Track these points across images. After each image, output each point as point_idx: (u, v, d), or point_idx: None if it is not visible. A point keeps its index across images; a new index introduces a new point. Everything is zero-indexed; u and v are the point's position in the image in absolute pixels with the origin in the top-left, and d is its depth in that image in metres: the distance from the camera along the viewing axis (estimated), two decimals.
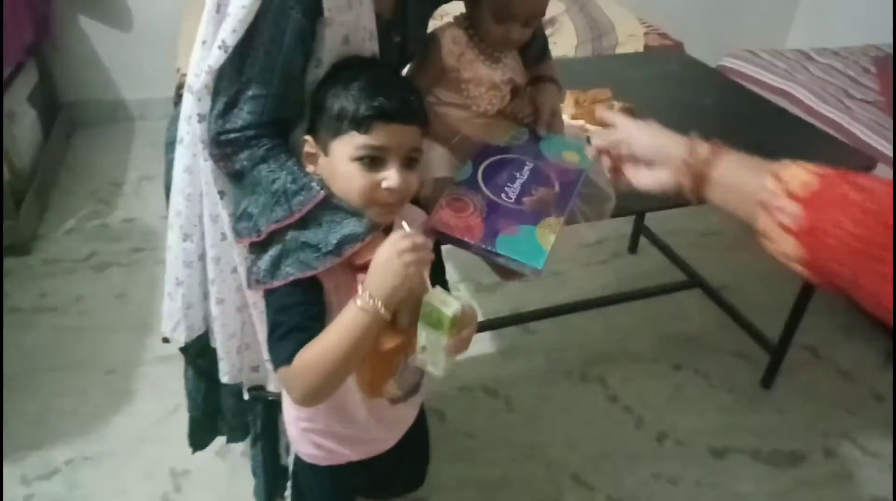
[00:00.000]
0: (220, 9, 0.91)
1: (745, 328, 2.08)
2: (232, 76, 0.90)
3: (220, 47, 0.89)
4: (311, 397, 0.89)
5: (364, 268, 0.89)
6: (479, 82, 1.18)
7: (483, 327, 2.06)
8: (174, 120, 1.06)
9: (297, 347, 0.86)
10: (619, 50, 2.69)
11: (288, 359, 0.87)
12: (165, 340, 1.20)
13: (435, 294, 0.87)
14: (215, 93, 0.92)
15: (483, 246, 1.06)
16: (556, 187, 1.17)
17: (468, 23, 1.16)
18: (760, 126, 1.79)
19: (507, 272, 1.12)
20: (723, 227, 2.71)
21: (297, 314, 0.89)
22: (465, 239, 1.07)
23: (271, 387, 1.16)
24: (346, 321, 0.85)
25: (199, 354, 1.19)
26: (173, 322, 1.15)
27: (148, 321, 2.05)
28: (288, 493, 1.18)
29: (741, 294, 2.26)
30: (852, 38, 3.02)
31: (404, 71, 1.18)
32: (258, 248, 0.92)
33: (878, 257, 0.60)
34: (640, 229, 2.49)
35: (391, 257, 0.84)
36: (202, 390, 1.26)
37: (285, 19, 0.88)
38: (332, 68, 0.94)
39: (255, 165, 0.91)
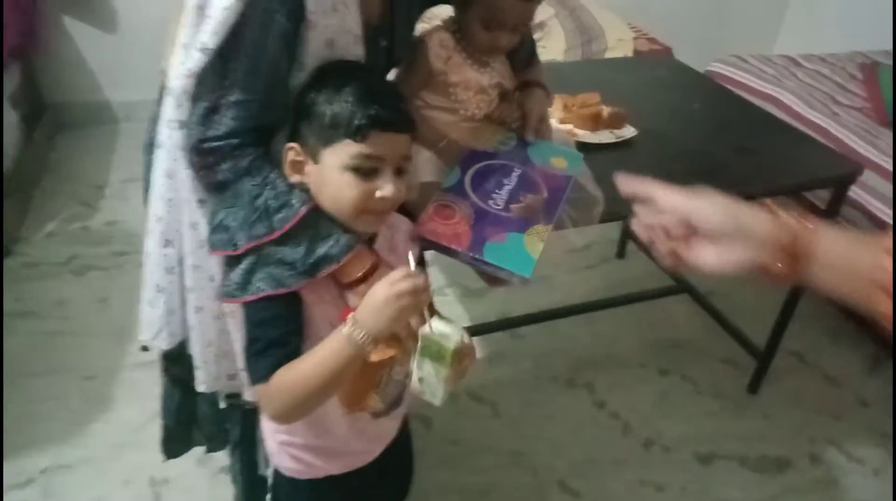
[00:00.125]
0: (202, 11, 0.88)
1: (732, 333, 2.08)
2: (214, 81, 0.87)
3: (199, 50, 0.87)
4: (286, 418, 0.88)
5: (349, 285, 0.87)
6: (466, 86, 1.16)
7: (470, 332, 2.03)
8: (154, 121, 1.03)
9: (275, 364, 0.84)
10: (609, 55, 2.69)
11: (265, 376, 0.84)
12: (144, 348, 1.17)
13: (435, 326, 0.84)
14: (196, 98, 0.88)
15: (471, 254, 1.05)
16: (545, 194, 1.16)
17: (456, 26, 1.15)
18: (749, 131, 1.79)
19: (494, 280, 1.11)
20: None
21: (274, 328, 0.87)
22: (453, 247, 1.05)
23: (248, 396, 1.13)
24: (330, 349, 0.82)
25: (175, 361, 1.16)
26: (154, 330, 1.12)
27: (129, 325, 2.00)
28: None
29: (728, 300, 2.25)
30: (839, 44, 3.04)
31: (391, 75, 1.16)
32: (233, 260, 0.90)
33: None
34: (627, 234, 2.48)
35: (389, 299, 0.81)
36: (177, 398, 1.23)
37: (269, 23, 0.86)
38: (316, 72, 0.91)
39: (238, 177, 0.88)
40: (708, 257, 0.70)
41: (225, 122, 0.87)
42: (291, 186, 0.89)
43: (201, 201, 0.97)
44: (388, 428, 1.11)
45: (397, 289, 0.81)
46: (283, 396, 0.84)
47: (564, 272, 2.43)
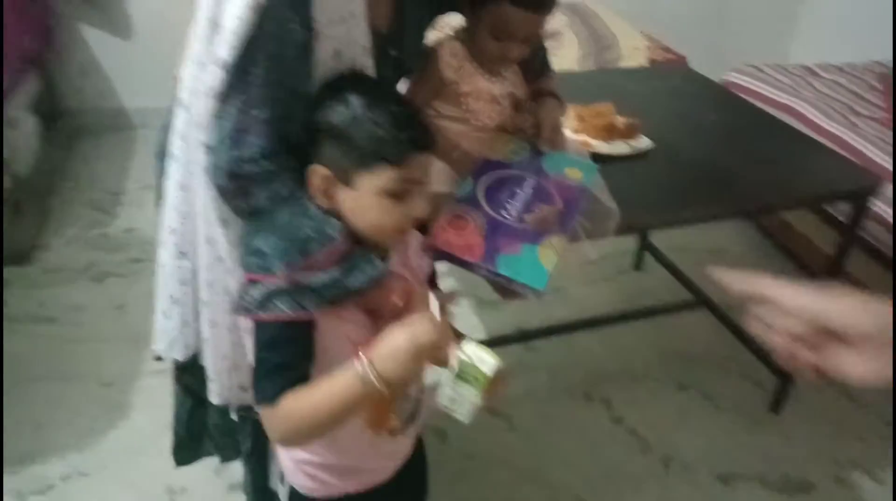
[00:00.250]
0: (215, 23, 0.86)
1: (753, 349, 2.03)
2: (236, 97, 0.85)
3: (216, 64, 0.85)
4: (290, 443, 0.87)
5: (369, 312, 0.87)
6: (478, 96, 1.16)
7: (485, 344, 2.02)
8: (165, 128, 1.03)
9: (282, 387, 0.83)
10: (623, 64, 2.67)
11: (272, 399, 0.83)
12: (158, 358, 1.17)
13: (472, 352, 0.83)
14: (220, 117, 0.86)
15: (483, 266, 1.04)
16: (559, 205, 1.15)
17: (467, 36, 1.14)
18: (765, 142, 1.76)
19: (507, 292, 1.10)
20: (729, 245, 2.68)
21: (284, 351, 0.85)
22: (466, 258, 1.04)
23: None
24: (342, 385, 0.81)
25: (188, 370, 1.16)
26: (168, 341, 1.12)
27: (146, 332, 1.98)
28: None
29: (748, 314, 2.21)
30: (853, 54, 3.00)
31: (401, 86, 1.15)
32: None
33: None
34: (645, 246, 2.46)
35: (410, 351, 0.79)
36: (188, 407, 1.23)
37: (286, 32, 0.84)
38: (330, 88, 0.88)
39: (275, 205, 0.86)
40: (854, 367, 0.61)
41: (256, 142, 0.85)
42: (326, 214, 0.87)
43: (224, 221, 0.95)
44: (404, 445, 1.10)
45: (419, 340, 0.79)
46: (290, 423, 0.83)
47: (580, 284, 2.40)
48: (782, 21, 3.77)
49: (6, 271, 2.25)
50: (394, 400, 0.94)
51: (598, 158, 1.48)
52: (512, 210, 1.12)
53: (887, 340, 0.59)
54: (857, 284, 2.17)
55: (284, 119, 0.86)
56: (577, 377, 2.05)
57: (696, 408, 1.98)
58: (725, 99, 2.06)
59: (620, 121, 1.61)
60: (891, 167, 2.13)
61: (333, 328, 0.89)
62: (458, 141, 1.19)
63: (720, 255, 2.63)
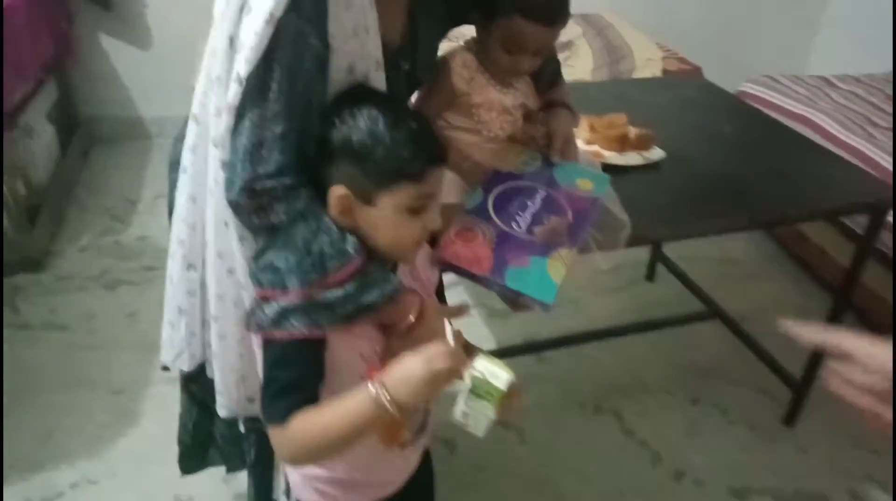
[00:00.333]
0: (234, 41, 0.86)
1: (766, 361, 2.01)
2: (253, 112, 0.84)
3: (235, 81, 0.85)
4: (299, 463, 0.87)
5: (382, 327, 0.86)
6: (489, 107, 1.15)
7: (495, 354, 2.01)
8: (178, 140, 1.04)
9: (293, 407, 0.82)
10: (637, 74, 2.66)
11: (282, 419, 0.82)
12: (165, 368, 1.17)
13: (485, 368, 0.82)
14: (237, 133, 0.85)
15: (492, 279, 1.03)
16: (570, 217, 1.14)
17: (479, 47, 1.14)
18: (781, 154, 1.74)
19: (516, 304, 1.09)
20: (743, 255, 2.66)
21: (294, 370, 0.85)
22: (474, 271, 1.04)
23: None
24: (354, 407, 0.80)
25: (195, 380, 1.16)
26: (175, 351, 1.13)
27: (157, 340, 1.96)
28: None
29: (762, 326, 2.18)
30: (872, 65, 2.97)
31: (412, 98, 1.16)
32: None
33: None
34: (657, 257, 2.44)
35: (426, 379, 0.78)
36: (194, 416, 1.23)
37: (303, 46, 0.84)
38: (341, 105, 0.87)
39: (293, 221, 0.85)
40: None
41: (274, 157, 0.84)
42: (343, 231, 0.86)
43: (241, 237, 0.95)
44: (414, 457, 1.09)
45: (434, 367, 0.78)
46: (300, 443, 0.83)
47: (592, 295, 2.39)
48: (801, 32, 3.74)
49: (19, 278, 2.28)
50: (407, 420, 0.93)
51: (610, 169, 1.47)
52: (521, 222, 1.11)
53: None
54: (873, 295, 2.14)
55: (300, 133, 0.85)
56: (587, 388, 2.03)
57: (709, 421, 1.95)
58: (740, 110, 2.04)
59: (633, 132, 1.60)
60: None
61: (344, 344, 0.88)
62: (469, 152, 1.19)
63: (734, 265, 2.61)
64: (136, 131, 3.19)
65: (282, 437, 0.83)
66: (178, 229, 1.04)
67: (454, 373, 0.80)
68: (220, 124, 0.88)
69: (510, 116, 1.18)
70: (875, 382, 0.60)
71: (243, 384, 1.09)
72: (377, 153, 0.83)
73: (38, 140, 2.49)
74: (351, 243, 0.86)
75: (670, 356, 2.17)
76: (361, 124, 0.84)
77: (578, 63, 2.69)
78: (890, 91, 2.69)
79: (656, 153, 1.60)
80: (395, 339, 0.92)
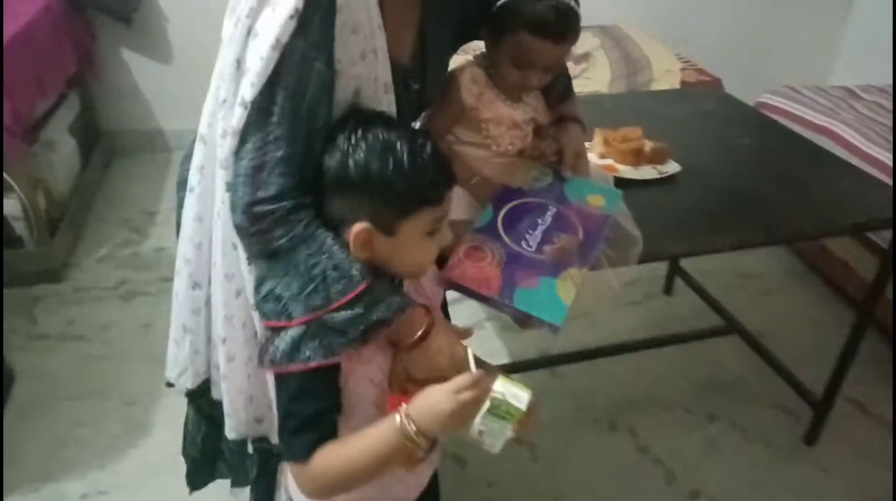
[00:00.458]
0: (241, 65, 0.86)
1: (786, 378, 1.96)
2: (256, 135, 0.84)
3: (240, 105, 0.85)
4: (323, 498, 0.85)
5: (402, 347, 0.86)
6: (498, 122, 1.14)
7: (508, 369, 1.99)
8: (188, 158, 1.04)
9: (314, 442, 0.82)
10: (655, 86, 2.63)
11: (304, 455, 0.81)
12: (169, 384, 1.18)
13: (506, 389, 0.81)
14: (240, 155, 0.85)
15: (500, 300, 1.02)
16: (580, 235, 1.12)
17: (488, 62, 1.13)
18: (801, 167, 1.71)
19: (526, 323, 1.07)
20: (763, 269, 2.61)
21: (312, 403, 0.83)
22: (482, 292, 1.02)
23: (275, 439, 1.12)
24: (380, 440, 0.80)
25: (201, 395, 1.16)
26: (179, 369, 1.13)
27: None
28: None
29: (781, 342, 2.14)
30: None
31: (421, 116, 1.15)
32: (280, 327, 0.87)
33: None
34: (675, 270, 2.40)
35: (454, 412, 0.78)
36: (202, 430, 1.23)
37: (308, 71, 0.83)
38: (352, 135, 0.84)
39: (293, 245, 0.83)
40: None
41: (274, 180, 0.83)
42: (348, 253, 0.84)
43: (249, 260, 0.94)
44: (426, 472, 1.08)
45: (461, 398, 0.78)
46: (324, 479, 0.82)
47: (608, 308, 2.36)
48: (824, 43, 3.68)
49: (38, 288, 2.31)
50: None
51: (624, 183, 1.46)
52: (531, 240, 1.09)
53: None
54: None
55: (303, 156, 0.84)
56: (602, 404, 2.00)
57: (726, 439, 1.91)
58: (759, 122, 2.01)
59: (648, 145, 1.58)
60: None
61: (354, 371, 0.87)
62: (478, 167, 1.18)
63: (753, 279, 2.56)
64: (156, 144, 3.23)
65: (305, 474, 0.82)
66: (185, 248, 1.04)
67: (481, 402, 0.79)
68: (225, 147, 0.88)
69: (520, 131, 1.17)
70: None
71: (251, 404, 1.09)
72: (399, 183, 0.82)
73: (59, 153, 2.52)
74: (356, 267, 0.84)
75: (687, 371, 2.13)
76: (378, 154, 0.82)
77: (596, 75, 2.67)
78: None
79: (672, 167, 1.57)
80: (404, 354, 0.91)
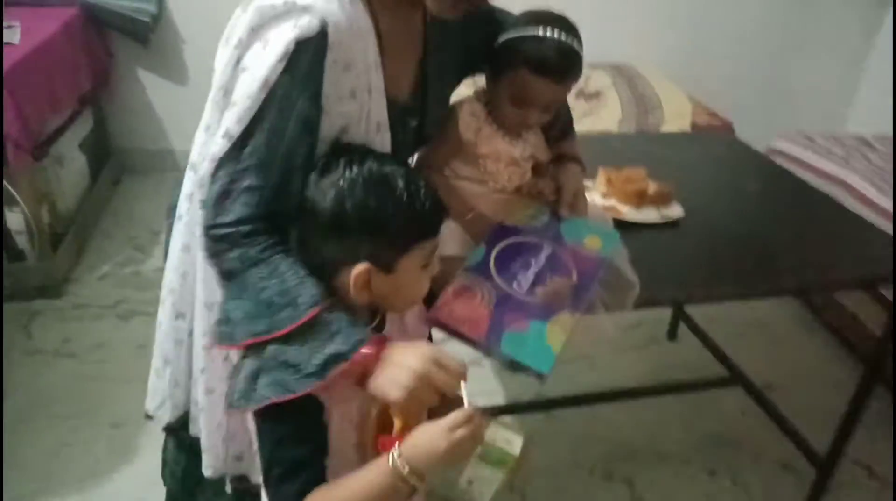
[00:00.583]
0: (226, 94, 0.87)
1: (790, 435, 1.89)
2: (229, 164, 0.84)
3: (224, 136, 0.85)
4: None
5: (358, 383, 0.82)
6: (497, 158, 1.13)
7: (503, 410, 1.95)
8: (178, 184, 1.03)
9: (303, 489, 0.79)
10: (665, 128, 2.62)
11: None
12: (148, 416, 1.15)
13: (499, 434, 0.79)
14: (212, 180, 0.86)
15: (487, 343, 0.98)
16: (574, 278, 1.09)
17: (488, 97, 1.12)
18: (809, 217, 1.67)
19: (514, 366, 1.04)
20: (770, 318, 2.55)
21: (295, 448, 0.80)
22: (469, 334, 0.99)
23: (255, 479, 1.08)
24: (373, 482, 0.77)
25: (182, 427, 1.13)
26: (158, 400, 1.11)
27: None
28: None
29: (787, 395, 2.08)
30: None
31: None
32: (238, 365, 0.85)
33: None
34: (679, 315, 2.35)
35: (447, 448, 0.75)
36: (182, 463, 1.20)
37: (290, 107, 0.84)
38: (343, 175, 0.82)
39: (245, 268, 0.83)
40: None
41: (235, 208, 0.83)
42: (303, 280, 0.82)
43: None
44: None
45: (455, 436, 0.75)
46: None
47: (609, 352, 2.30)
48: (840, 89, 3.66)
49: (37, 303, 2.30)
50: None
51: (626, 225, 1.43)
52: (523, 282, 1.07)
53: None
54: None
55: (273, 190, 0.84)
56: (599, 452, 1.94)
57: (726, 496, 1.84)
58: (768, 169, 1.98)
59: (652, 187, 1.55)
60: None
61: (331, 410, 0.84)
62: (474, 203, 1.15)
63: (760, 329, 2.50)
64: (167, 164, 3.24)
65: None
66: (170, 277, 1.03)
67: (477, 439, 0.76)
68: (202, 170, 0.89)
69: (518, 167, 1.15)
70: None
71: (231, 442, 1.06)
72: (399, 221, 0.81)
73: (68, 168, 2.54)
74: (306, 295, 0.81)
75: (688, 422, 2.07)
76: (376, 193, 0.81)
77: (605, 113, 2.66)
78: None
79: (676, 211, 1.54)
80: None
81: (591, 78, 2.90)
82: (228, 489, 1.13)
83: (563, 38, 1.03)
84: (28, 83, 2.10)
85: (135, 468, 1.77)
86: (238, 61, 0.86)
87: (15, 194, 2.14)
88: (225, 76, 0.87)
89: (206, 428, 1.05)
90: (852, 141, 2.69)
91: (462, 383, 0.81)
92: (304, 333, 0.80)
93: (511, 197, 1.18)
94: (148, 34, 2.89)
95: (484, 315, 1.00)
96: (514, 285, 1.06)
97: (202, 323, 0.98)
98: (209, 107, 0.92)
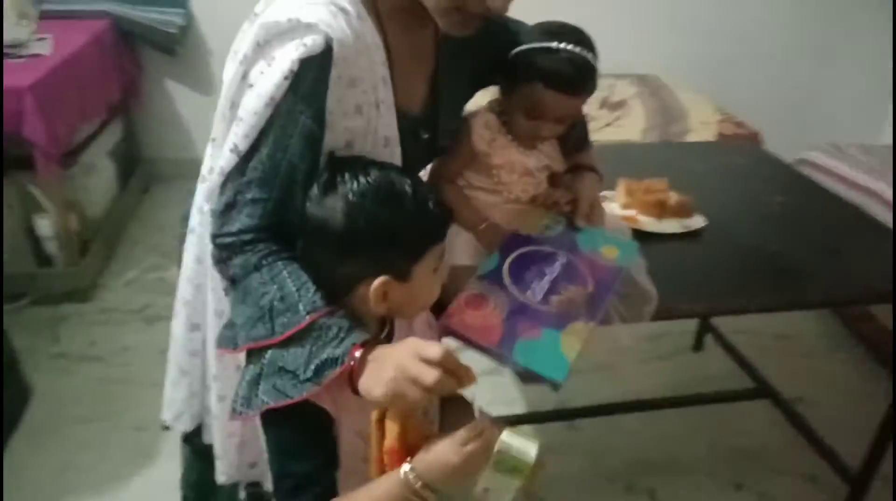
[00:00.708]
0: (233, 107, 0.88)
1: (820, 449, 1.84)
2: (235, 177, 0.86)
3: (232, 150, 0.87)
4: None
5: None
6: (511, 168, 1.12)
7: (522, 420, 1.93)
8: (191, 194, 1.05)
9: None
10: (690, 137, 2.58)
11: None
12: (165, 427, 1.16)
13: (513, 442, 0.77)
14: (220, 192, 0.88)
15: (499, 351, 0.97)
16: (590, 287, 1.07)
17: (502, 107, 1.11)
18: (838, 230, 1.61)
19: (527, 377, 1.02)
20: (800, 330, 2.49)
21: (305, 461, 0.80)
22: (481, 342, 0.98)
23: (268, 485, 1.08)
24: (386, 496, 0.76)
25: (197, 433, 1.14)
26: (175, 411, 1.12)
27: None
28: None
29: (817, 409, 2.02)
30: None
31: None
32: (244, 370, 0.86)
33: None
34: (705, 326, 2.31)
35: (459, 462, 0.75)
36: (196, 469, 1.21)
37: (293, 124, 0.85)
38: (349, 192, 0.81)
39: (247, 273, 0.84)
40: None
41: (240, 219, 0.85)
42: (303, 286, 0.82)
43: (226, 290, 0.94)
44: None
45: (469, 452, 0.75)
46: None
47: (633, 362, 2.27)
48: (874, 100, 3.56)
49: (65, 307, 2.35)
50: None
51: (646, 236, 1.41)
52: (537, 290, 1.05)
53: None
54: None
55: (275, 202, 0.85)
56: (620, 463, 1.91)
57: None
58: (795, 181, 1.93)
59: (674, 197, 1.53)
60: None
61: (339, 421, 0.83)
62: (488, 213, 1.15)
63: (789, 341, 2.44)
64: (194, 172, 3.22)
65: None
66: (184, 288, 1.05)
67: (489, 451, 0.76)
68: (211, 182, 0.90)
69: (533, 178, 1.14)
70: None
71: (244, 449, 1.07)
72: (412, 230, 0.82)
73: (97, 177, 2.59)
74: (306, 300, 0.81)
75: (713, 435, 2.02)
76: (386, 206, 0.81)
77: (629, 123, 2.63)
78: None
79: (697, 222, 1.51)
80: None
81: (616, 88, 2.88)
82: (242, 495, 1.13)
83: (578, 50, 1.02)
84: (57, 93, 2.15)
85: (156, 471, 1.79)
86: (244, 76, 0.87)
87: (44, 200, 2.19)
88: (232, 90, 0.89)
89: (219, 436, 1.06)
90: (885, 151, 2.61)
91: (475, 407, 0.81)
92: (302, 338, 0.80)
93: (525, 207, 1.17)
94: (175, 46, 2.95)
95: (496, 323, 0.99)
96: (528, 293, 1.04)
97: (214, 331, 0.99)
98: (217, 119, 0.93)
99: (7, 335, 1.89)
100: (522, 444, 0.77)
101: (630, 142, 2.44)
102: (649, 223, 1.47)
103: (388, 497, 0.76)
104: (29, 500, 1.68)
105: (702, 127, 2.61)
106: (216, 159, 0.90)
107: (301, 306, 0.80)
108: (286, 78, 0.83)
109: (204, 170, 0.97)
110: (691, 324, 2.35)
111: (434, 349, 0.74)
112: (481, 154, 1.10)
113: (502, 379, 2.13)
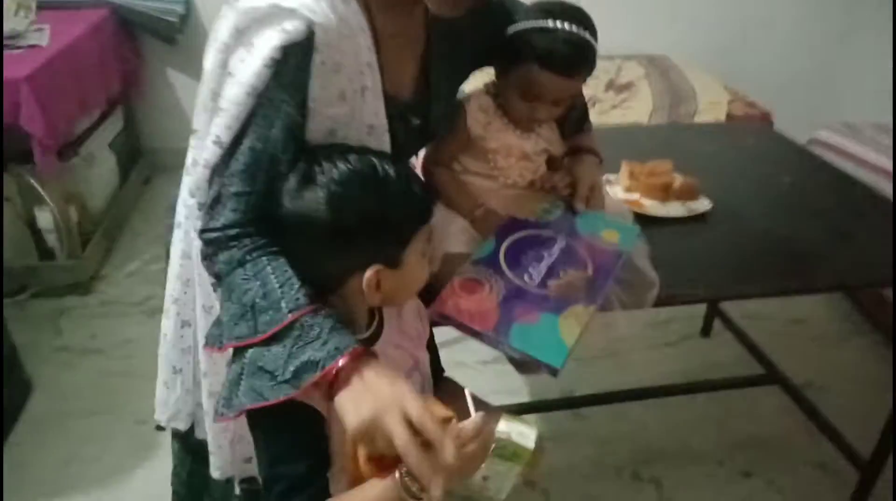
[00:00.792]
0: (214, 97, 0.85)
1: (831, 436, 1.80)
2: (220, 170, 0.84)
3: (214, 142, 0.84)
4: None
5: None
6: (507, 152, 1.08)
7: (527, 408, 1.90)
8: (178, 184, 1.02)
9: None
10: (699, 118, 2.52)
11: None
12: (159, 427, 1.14)
13: (513, 428, 0.76)
14: (208, 186, 0.86)
15: (495, 336, 0.94)
16: (589, 271, 1.04)
17: (497, 90, 1.07)
18: (850, 212, 1.56)
19: (523, 365, 1.00)
20: (812, 315, 2.44)
21: (296, 463, 0.77)
22: (475, 327, 0.95)
23: None
24: (382, 497, 0.74)
25: (190, 430, 1.12)
26: (171, 411, 1.10)
27: None
28: None
29: (829, 396, 1.98)
30: None
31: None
32: (228, 366, 0.83)
33: None
34: (714, 311, 2.26)
35: (460, 465, 0.72)
36: (187, 465, 1.19)
37: (275, 113, 0.82)
38: (330, 180, 0.79)
39: (231, 269, 0.81)
40: None
41: (225, 213, 0.83)
42: (287, 282, 0.79)
43: (215, 285, 0.91)
44: None
45: (467, 453, 0.72)
46: None
47: (639, 349, 2.23)
48: (890, 81, 3.48)
49: (66, 300, 2.34)
50: None
51: (649, 219, 1.37)
52: (535, 274, 1.02)
53: None
54: None
55: (260, 195, 0.83)
56: (626, 452, 1.88)
57: (761, 498, 1.76)
58: (806, 161, 1.87)
59: (678, 180, 1.48)
60: None
61: (332, 420, 0.80)
62: (484, 198, 1.11)
63: (801, 326, 2.40)
64: None
65: None
66: (173, 286, 1.02)
67: (487, 450, 0.74)
68: (196, 176, 0.88)
69: (530, 162, 1.11)
70: None
71: (239, 444, 1.04)
72: (398, 215, 0.80)
73: (98, 168, 2.58)
74: (288, 298, 0.77)
75: (722, 422, 1.99)
76: (370, 194, 0.79)
77: (637, 105, 2.58)
78: None
79: (702, 204, 1.47)
80: None
81: (623, 69, 2.82)
82: (237, 490, 1.11)
83: (575, 29, 0.98)
84: (55, 84, 2.12)
85: (160, 463, 1.77)
86: (224, 65, 0.83)
87: (44, 193, 2.17)
88: (212, 79, 0.86)
89: (211, 431, 1.04)
90: None
91: (469, 396, 0.78)
92: (283, 337, 0.77)
93: (523, 192, 1.13)
94: (176, 34, 2.92)
95: (492, 308, 0.96)
96: (525, 277, 1.01)
97: (203, 327, 0.97)
98: (199, 110, 0.90)
99: (8, 328, 1.89)
100: (522, 430, 0.75)
101: (637, 124, 2.39)
102: (653, 207, 1.43)
103: (384, 498, 0.74)
104: (32, 494, 1.68)
105: (711, 107, 2.56)
106: (199, 152, 0.87)
107: (283, 304, 0.77)
108: (267, 66, 0.80)
109: (188, 162, 0.94)
110: (699, 309, 2.31)
111: (416, 409, 0.71)
112: (477, 138, 1.07)
113: (506, 368, 2.08)
